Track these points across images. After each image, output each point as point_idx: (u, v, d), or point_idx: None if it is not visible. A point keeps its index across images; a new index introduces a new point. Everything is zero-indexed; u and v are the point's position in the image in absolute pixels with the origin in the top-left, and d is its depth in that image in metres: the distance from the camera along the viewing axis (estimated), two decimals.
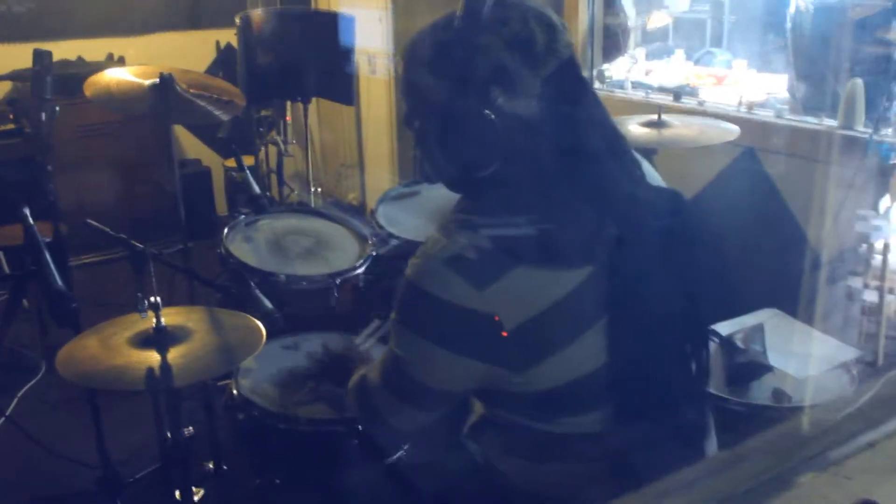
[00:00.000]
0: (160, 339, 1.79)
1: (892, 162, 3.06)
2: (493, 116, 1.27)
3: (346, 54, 3.22)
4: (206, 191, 5.18)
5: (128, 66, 4.94)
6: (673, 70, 4.64)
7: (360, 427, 1.83)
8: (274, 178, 4.84)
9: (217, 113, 2.40)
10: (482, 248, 1.30)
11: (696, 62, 5.22)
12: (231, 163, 5.21)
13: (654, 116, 2.65)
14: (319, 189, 5.58)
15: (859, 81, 3.03)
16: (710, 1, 8.40)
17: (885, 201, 3.04)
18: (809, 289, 3.01)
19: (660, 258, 1.37)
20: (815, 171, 3.05)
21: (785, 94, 3.50)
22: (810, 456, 1.05)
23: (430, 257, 1.33)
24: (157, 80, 2.35)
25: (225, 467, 2.49)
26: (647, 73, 4.56)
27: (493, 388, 1.41)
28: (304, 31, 3.24)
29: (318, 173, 5.82)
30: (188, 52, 5.42)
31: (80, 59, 5.00)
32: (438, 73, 1.33)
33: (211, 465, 2.56)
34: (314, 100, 4.56)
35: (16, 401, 3.48)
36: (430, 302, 1.32)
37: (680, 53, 5.14)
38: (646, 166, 1.46)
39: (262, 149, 4.50)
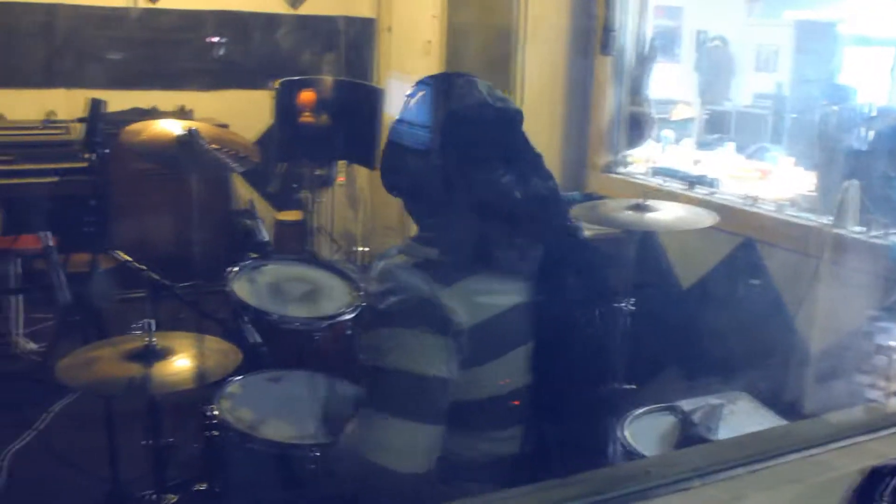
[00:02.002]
0: (148, 354, 2.04)
1: None
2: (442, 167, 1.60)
3: (371, 122, 3.49)
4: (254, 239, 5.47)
5: (195, 118, 5.37)
6: (721, 161, 4.80)
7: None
8: (324, 232, 5.11)
9: (233, 166, 2.69)
10: (442, 257, 1.56)
11: (750, 156, 5.36)
12: (283, 216, 5.54)
13: (640, 200, 2.83)
14: (366, 248, 5.87)
15: (855, 183, 3.17)
16: (773, 97, 8.52)
17: None
18: (794, 379, 3.11)
19: (573, 295, 1.66)
20: (808, 266, 3.17)
21: None
22: (626, 493, 1.22)
23: (395, 266, 1.58)
24: (185, 132, 2.66)
25: (216, 489, 2.68)
26: (695, 163, 4.72)
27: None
28: (334, 99, 3.54)
29: (366, 232, 6.11)
30: (252, 109, 5.81)
31: (154, 108, 5.43)
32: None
33: (203, 486, 2.76)
34: None
35: (48, 416, 3.77)
36: (401, 294, 1.52)
37: (731, 146, 5.30)
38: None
39: (311, 205, 4.78)
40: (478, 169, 1.59)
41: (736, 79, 8.43)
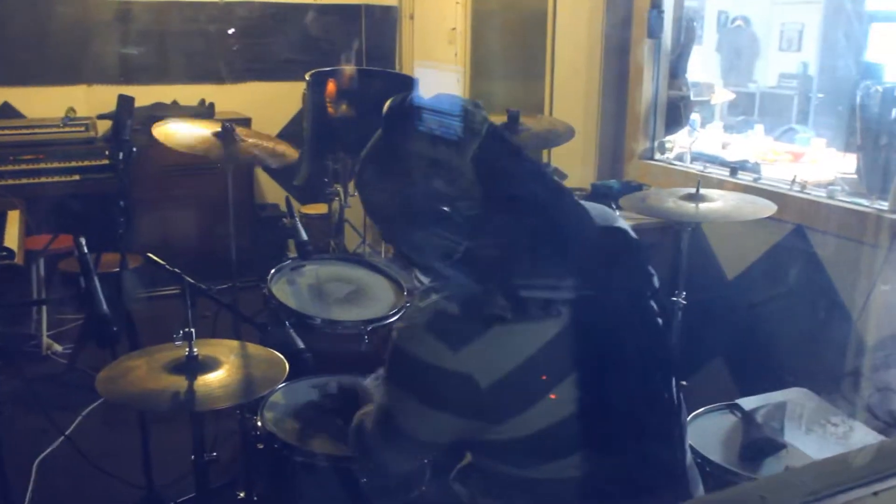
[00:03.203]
0: (190, 366, 1.93)
1: None
2: (434, 207, 1.41)
3: None
4: (280, 234, 5.38)
5: (217, 112, 5.27)
6: (750, 144, 4.66)
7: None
8: (347, 227, 5.00)
9: (268, 161, 2.58)
10: (456, 312, 1.41)
11: (778, 138, 5.23)
12: (308, 209, 5.44)
13: (693, 190, 2.70)
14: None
15: None
16: (799, 77, 8.35)
17: None
18: (851, 372, 2.99)
19: (622, 304, 1.48)
20: (863, 254, 3.04)
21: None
22: None
23: (411, 320, 1.45)
24: (220, 128, 2.55)
25: (255, 498, 2.59)
26: (724, 147, 4.59)
27: (474, 439, 1.50)
28: (368, 90, 3.42)
29: None
30: (275, 101, 5.72)
31: (174, 102, 5.33)
32: (380, 183, 1.49)
33: (242, 495, 2.67)
34: None
35: (79, 419, 3.70)
36: (409, 361, 1.44)
37: (759, 128, 5.16)
38: (599, 211, 1.58)
39: (336, 199, 4.67)
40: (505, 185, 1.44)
41: (760, 59, 8.28)
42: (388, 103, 1.48)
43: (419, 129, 1.42)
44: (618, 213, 2.51)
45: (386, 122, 1.47)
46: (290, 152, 2.62)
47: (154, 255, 2.39)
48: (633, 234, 1.59)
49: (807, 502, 1.15)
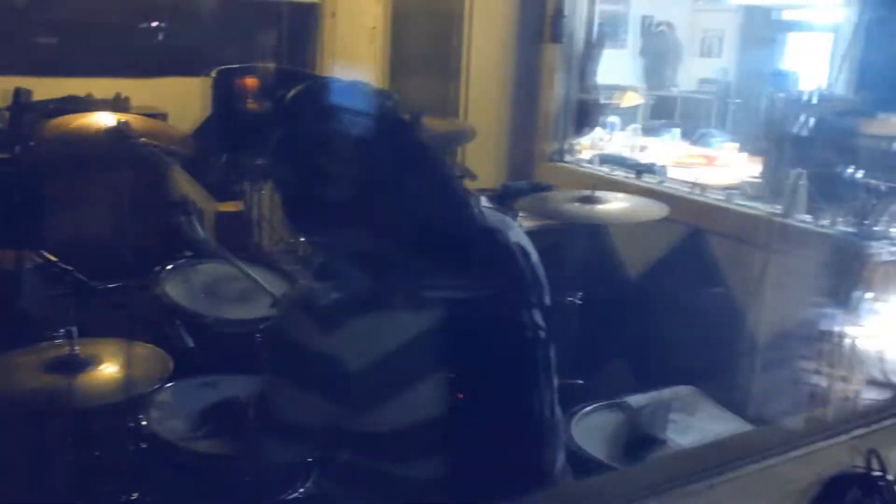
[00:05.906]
0: (70, 365, 1.91)
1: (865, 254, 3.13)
2: (317, 187, 1.43)
3: None
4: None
5: (132, 106, 5.17)
6: (667, 148, 4.76)
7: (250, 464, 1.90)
8: (265, 224, 4.95)
9: (166, 160, 2.56)
10: (331, 294, 1.43)
11: (695, 141, 5.33)
12: (226, 206, 5.36)
13: (588, 192, 2.76)
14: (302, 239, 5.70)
15: (801, 172, 3.14)
16: (718, 82, 8.55)
17: (856, 292, 3.09)
18: (742, 370, 3.08)
19: (494, 309, 1.50)
20: (756, 256, 3.14)
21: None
22: None
23: (288, 300, 1.49)
24: (115, 126, 2.52)
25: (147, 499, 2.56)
26: (640, 149, 4.68)
27: (342, 428, 1.51)
28: (274, 88, 3.40)
29: None
30: (192, 97, 5.62)
31: (89, 95, 5.21)
32: (279, 161, 1.51)
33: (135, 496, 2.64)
34: None
35: None
36: (282, 341, 1.47)
37: (676, 132, 5.26)
38: (497, 218, 1.62)
39: (247, 197, 4.62)
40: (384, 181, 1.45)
41: (682, 64, 8.45)
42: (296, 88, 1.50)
43: (318, 108, 1.45)
44: (519, 216, 2.55)
45: (291, 101, 1.48)
46: (185, 147, 2.58)
47: (54, 255, 2.36)
48: (522, 244, 1.61)
49: (644, 496, 1.20)
